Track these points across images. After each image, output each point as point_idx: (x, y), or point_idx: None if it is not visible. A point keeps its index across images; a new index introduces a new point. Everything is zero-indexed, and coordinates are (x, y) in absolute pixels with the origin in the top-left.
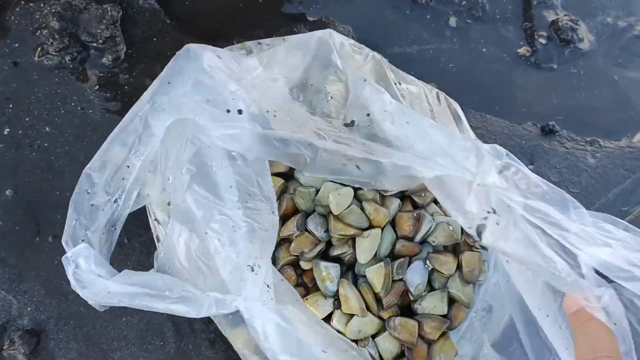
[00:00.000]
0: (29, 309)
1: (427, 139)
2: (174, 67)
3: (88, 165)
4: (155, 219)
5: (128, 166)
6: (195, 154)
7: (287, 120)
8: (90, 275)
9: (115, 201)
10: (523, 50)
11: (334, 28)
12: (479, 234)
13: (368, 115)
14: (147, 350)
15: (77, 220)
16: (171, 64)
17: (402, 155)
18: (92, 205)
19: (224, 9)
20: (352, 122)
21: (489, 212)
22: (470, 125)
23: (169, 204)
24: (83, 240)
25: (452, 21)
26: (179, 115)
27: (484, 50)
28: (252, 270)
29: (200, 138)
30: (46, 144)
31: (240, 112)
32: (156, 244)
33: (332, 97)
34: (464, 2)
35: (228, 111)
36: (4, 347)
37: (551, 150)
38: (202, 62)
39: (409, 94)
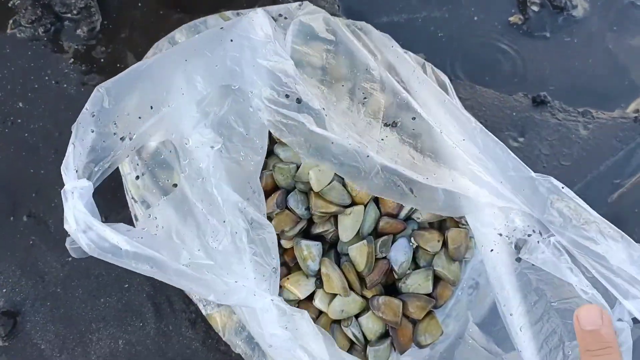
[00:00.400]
0: (4, 290)
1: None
2: (239, 24)
3: (102, 84)
4: (132, 197)
5: (152, 107)
6: (229, 134)
7: (336, 121)
8: (89, 219)
9: (122, 139)
10: (515, 18)
11: None
12: (518, 247)
13: (414, 119)
14: (127, 331)
15: (74, 145)
16: (237, 20)
17: (454, 177)
18: (92, 131)
19: None
20: (395, 122)
21: (534, 232)
22: (460, 97)
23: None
24: (77, 171)
25: None
26: (232, 81)
27: (475, 18)
28: (275, 271)
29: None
30: (19, 120)
31: (299, 101)
32: (134, 222)
33: (365, 97)
34: None
35: (287, 96)
36: None
37: (542, 121)
38: (269, 30)
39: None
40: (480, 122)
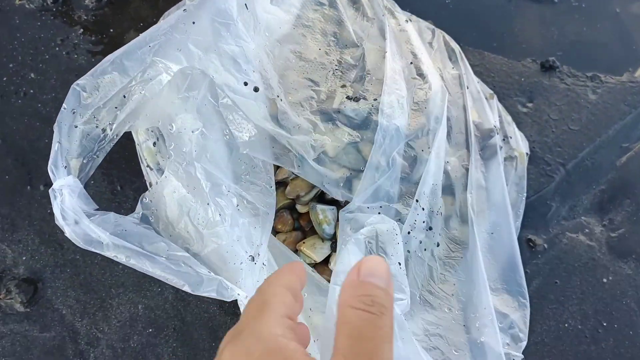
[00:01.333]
0: (24, 258)
1: None
2: (201, 4)
3: (78, 81)
4: (148, 165)
5: (124, 96)
6: (209, 116)
7: (290, 102)
8: (77, 213)
9: (104, 130)
10: None
11: None
12: None
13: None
14: (145, 296)
15: (59, 143)
16: (198, 3)
17: None
18: (75, 126)
19: None
20: (357, 98)
21: None
22: (469, 64)
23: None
24: (66, 167)
25: None
26: (194, 63)
27: None
28: (253, 260)
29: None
30: (32, 91)
31: (256, 89)
32: (149, 189)
33: (339, 63)
34: None
35: (245, 84)
36: (0, 297)
37: (551, 87)
38: (233, 11)
39: (406, 32)
40: (490, 88)
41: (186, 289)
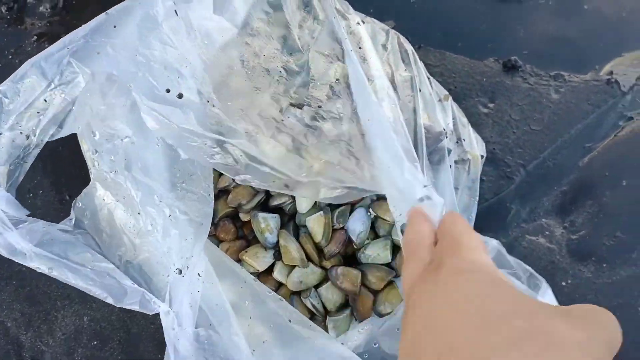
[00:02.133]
0: None
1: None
2: (126, 10)
3: None
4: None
5: (45, 100)
6: (139, 124)
7: (228, 106)
8: (1, 223)
9: (28, 137)
10: None
11: None
12: None
13: (319, 107)
14: (91, 308)
15: None
16: (126, 4)
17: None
18: (0, 134)
19: None
20: (301, 105)
21: None
22: (429, 64)
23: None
24: None
25: None
26: (113, 69)
27: None
28: (180, 273)
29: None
30: None
31: (180, 96)
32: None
33: (283, 70)
34: None
35: (168, 91)
36: None
37: (513, 86)
38: (157, 15)
39: (357, 34)
40: (450, 89)
41: (109, 300)
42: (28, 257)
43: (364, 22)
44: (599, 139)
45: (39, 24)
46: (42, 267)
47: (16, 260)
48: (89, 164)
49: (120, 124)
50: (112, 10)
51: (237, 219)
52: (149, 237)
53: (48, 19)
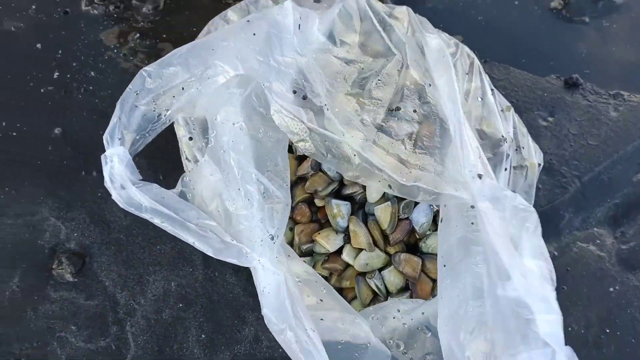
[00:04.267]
0: (75, 234)
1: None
2: (264, 18)
3: (145, 68)
4: (186, 157)
5: (183, 88)
6: (249, 113)
7: (336, 112)
8: (124, 179)
9: (159, 115)
10: (555, 3)
11: None
12: None
13: (415, 111)
14: (178, 275)
15: (119, 117)
16: (264, 12)
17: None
18: (135, 106)
19: None
20: (398, 108)
21: None
22: (494, 77)
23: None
24: (120, 139)
25: None
26: (249, 71)
27: (515, 2)
28: (272, 239)
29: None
30: (91, 88)
31: (304, 97)
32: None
33: (380, 80)
34: None
35: (294, 92)
36: (53, 267)
37: (573, 103)
38: (290, 27)
39: (429, 46)
40: (512, 101)
41: (210, 252)
42: (144, 209)
43: (437, 34)
44: None
45: (142, 22)
46: (155, 219)
47: (133, 211)
48: (190, 152)
49: (234, 111)
50: (253, 18)
51: (312, 204)
52: (246, 210)
53: (150, 19)
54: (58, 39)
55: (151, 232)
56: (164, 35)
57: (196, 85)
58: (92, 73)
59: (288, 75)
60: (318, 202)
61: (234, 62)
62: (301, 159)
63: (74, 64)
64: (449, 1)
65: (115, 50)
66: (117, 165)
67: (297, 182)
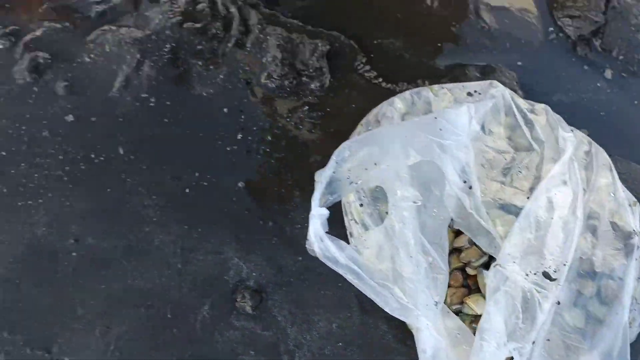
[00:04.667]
0: (254, 274)
1: None
2: (444, 117)
3: (345, 143)
4: (353, 219)
5: (375, 163)
6: (425, 193)
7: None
8: (322, 235)
9: (351, 182)
10: None
11: (500, 74)
12: None
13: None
14: (338, 317)
15: (321, 182)
16: (443, 112)
17: None
18: (334, 173)
19: (408, 52)
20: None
21: None
22: (617, 172)
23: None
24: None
25: (608, 73)
26: (435, 160)
27: (635, 102)
28: (436, 305)
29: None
30: (268, 149)
31: (470, 187)
32: (348, 238)
33: (520, 171)
34: (621, 57)
35: (465, 182)
36: (237, 299)
37: None
38: (465, 125)
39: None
40: (636, 196)
41: (387, 309)
42: (340, 265)
43: (572, 131)
44: None
45: (310, 97)
46: (348, 275)
47: (329, 264)
48: (359, 216)
49: (413, 191)
50: (440, 114)
51: (464, 272)
52: (414, 275)
53: (317, 95)
54: (241, 105)
55: (317, 279)
56: (328, 109)
57: (386, 161)
58: (269, 137)
59: (460, 164)
60: (470, 271)
61: (420, 149)
62: (458, 232)
63: (254, 129)
64: (575, 95)
65: (287, 119)
66: (318, 223)
67: (452, 251)
